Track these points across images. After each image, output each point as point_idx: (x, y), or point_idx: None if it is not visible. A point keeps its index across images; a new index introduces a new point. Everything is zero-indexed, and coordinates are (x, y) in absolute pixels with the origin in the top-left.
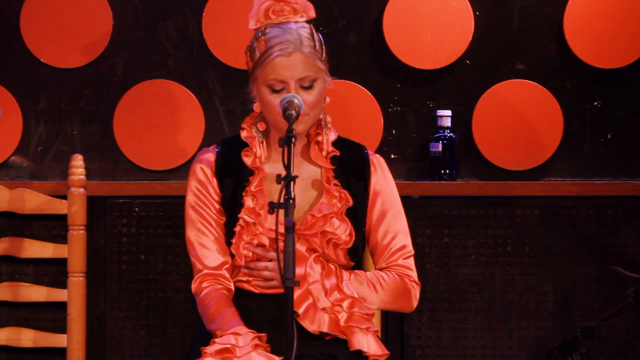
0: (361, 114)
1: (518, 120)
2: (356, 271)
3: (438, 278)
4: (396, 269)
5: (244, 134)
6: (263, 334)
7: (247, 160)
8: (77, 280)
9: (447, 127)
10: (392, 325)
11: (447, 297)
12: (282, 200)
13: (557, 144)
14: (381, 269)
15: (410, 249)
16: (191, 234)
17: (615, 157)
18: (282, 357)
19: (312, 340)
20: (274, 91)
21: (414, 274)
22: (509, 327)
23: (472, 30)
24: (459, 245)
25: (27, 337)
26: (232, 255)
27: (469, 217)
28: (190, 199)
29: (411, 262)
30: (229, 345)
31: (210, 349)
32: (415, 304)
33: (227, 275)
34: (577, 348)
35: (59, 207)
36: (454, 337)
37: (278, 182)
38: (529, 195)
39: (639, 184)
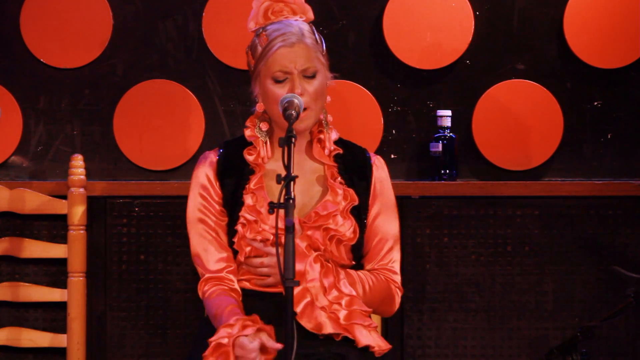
0: (361, 114)
1: (518, 120)
2: (347, 270)
3: (438, 278)
4: (384, 272)
5: (247, 133)
6: (269, 326)
7: (250, 158)
8: (77, 280)
9: (447, 127)
10: (392, 325)
11: (447, 297)
12: (282, 200)
13: (557, 144)
14: (370, 270)
15: (399, 255)
16: (194, 240)
17: (615, 157)
18: (272, 326)
19: (319, 339)
20: (278, 82)
21: (398, 279)
22: (509, 327)
23: (472, 30)
24: (459, 245)
25: (27, 337)
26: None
27: (469, 217)
28: (192, 203)
29: (398, 266)
30: (221, 340)
31: (208, 350)
32: (395, 309)
33: (231, 277)
34: (577, 348)
35: (59, 207)
36: (454, 337)
37: (278, 182)
38: (529, 195)
39: (639, 184)
